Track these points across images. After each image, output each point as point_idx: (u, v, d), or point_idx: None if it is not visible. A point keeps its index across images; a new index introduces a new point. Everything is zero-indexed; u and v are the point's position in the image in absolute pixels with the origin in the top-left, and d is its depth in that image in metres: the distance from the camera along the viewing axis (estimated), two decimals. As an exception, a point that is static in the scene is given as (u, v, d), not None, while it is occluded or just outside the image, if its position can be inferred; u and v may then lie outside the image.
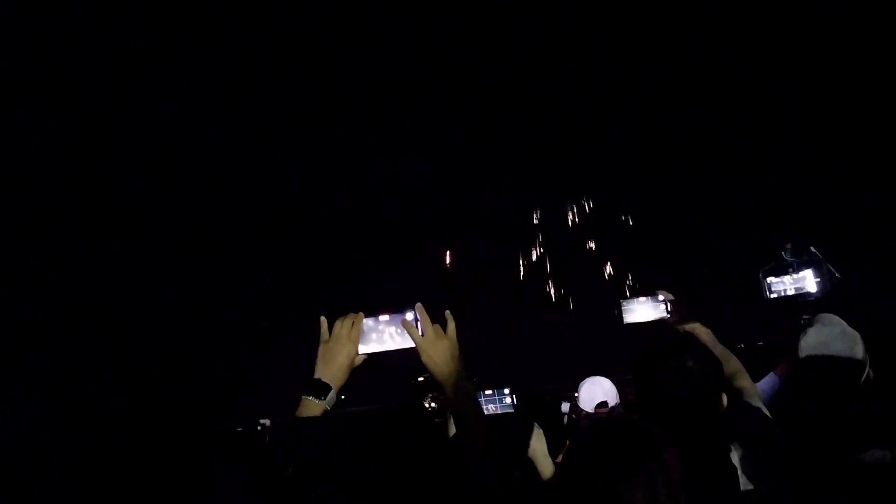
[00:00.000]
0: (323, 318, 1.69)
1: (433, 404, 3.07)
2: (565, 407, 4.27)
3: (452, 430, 2.57)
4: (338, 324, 1.67)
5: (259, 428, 3.43)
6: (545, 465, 2.14)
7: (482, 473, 1.45)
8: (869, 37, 9.52)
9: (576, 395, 4.19)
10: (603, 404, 3.76)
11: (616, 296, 2.80)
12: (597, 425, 1.38)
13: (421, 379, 3.55)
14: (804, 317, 3.09)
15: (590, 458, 1.22)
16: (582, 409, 3.84)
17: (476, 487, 1.43)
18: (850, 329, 2.33)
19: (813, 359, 2.27)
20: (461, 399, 1.59)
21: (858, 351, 2.22)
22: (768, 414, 2.06)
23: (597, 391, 3.88)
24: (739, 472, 1.75)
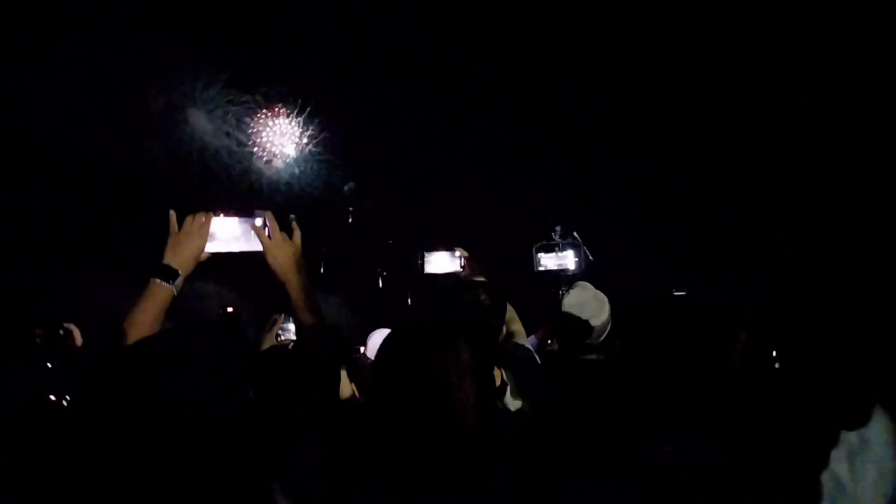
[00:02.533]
0: (172, 212, 1.72)
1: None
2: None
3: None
4: (189, 219, 1.72)
5: (62, 332, 3.10)
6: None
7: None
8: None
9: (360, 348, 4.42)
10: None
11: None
12: (402, 327, 1.56)
13: (230, 310, 3.53)
14: (562, 289, 3.73)
15: (400, 343, 1.42)
16: (369, 359, 4.07)
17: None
18: (600, 293, 2.88)
19: (571, 314, 2.77)
20: (301, 299, 1.71)
21: (606, 310, 2.77)
22: (534, 353, 2.48)
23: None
24: (507, 390, 2.10)
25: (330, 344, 1.73)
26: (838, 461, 1.44)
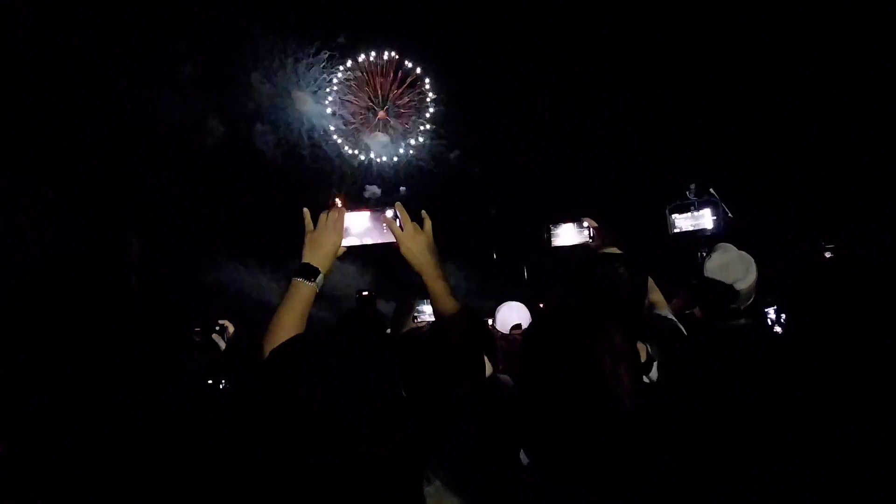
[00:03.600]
0: (306, 210, 1.79)
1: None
2: (481, 332, 4.51)
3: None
4: (323, 216, 1.78)
5: (218, 329, 3.47)
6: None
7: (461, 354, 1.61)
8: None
9: (490, 319, 4.45)
10: (517, 326, 4.03)
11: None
12: (551, 312, 1.54)
13: (365, 293, 3.71)
14: (701, 251, 3.48)
15: (553, 331, 1.39)
16: (498, 331, 4.09)
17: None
18: (745, 254, 2.66)
19: (714, 279, 2.59)
20: (439, 287, 1.73)
21: (752, 271, 2.56)
22: (678, 323, 2.35)
23: (512, 315, 4.14)
24: (654, 364, 2.01)
25: (471, 328, 1.74)
26: None
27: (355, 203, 1.83)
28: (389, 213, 1.77)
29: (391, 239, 1.77)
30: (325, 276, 1.72)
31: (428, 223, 1.82)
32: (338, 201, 1.80)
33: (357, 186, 19.11)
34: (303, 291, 1.68)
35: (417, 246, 1.75)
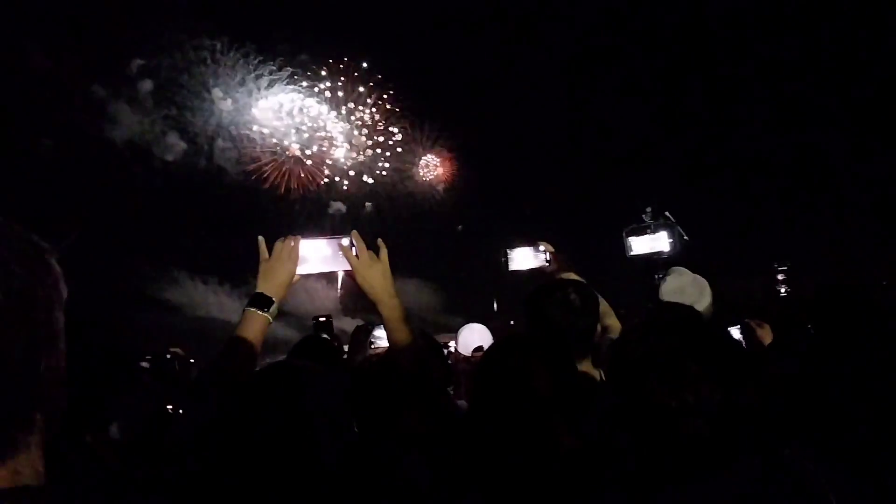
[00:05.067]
0: (261, 238, 1.74)
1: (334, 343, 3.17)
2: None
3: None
4: (278, 244, 1.73)
5: (168, 357, 3.36)
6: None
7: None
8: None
9: (451, 343, 4.41)
10: (479, 348, 4.01)
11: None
12: (503, 340, 1.52)
13: (322, 318, 3.65)
14: (658, 274, 3.51)
15: (502, 363, 1.37)
16: (460, 354, 4.06)
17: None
18: (699, 277, 2.69)
19: (672, 300, 2.62)
20: (394, 316, 1.70)
21: (707, 294, 2.59)
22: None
23: (473, 337, 4.12)
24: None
25: (424, 358, 1.70)
26: None
27: (312, 231, 1.79)
28: (345, 241, 1.75)
29: (347, 267, 1.74)
30: (280, 305, 1.68)
31: (384, 252, 1.79)
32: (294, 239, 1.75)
33: (321, 204, 18.97)
34: (256, 322, 1.64)
35: (372, 275, 1.72)
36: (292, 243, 1.73)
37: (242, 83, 17.34)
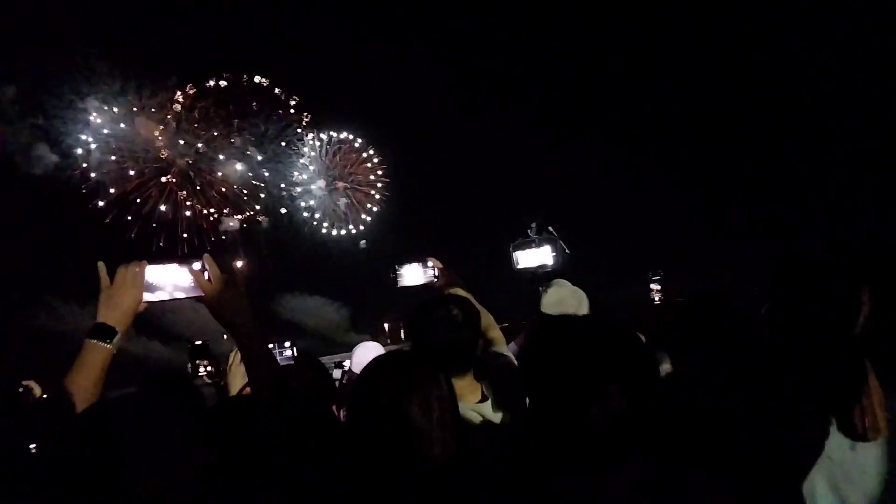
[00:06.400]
0: (101, 264, 1.64)
1: (209, 368, 3.01)
2: (337, 373, 4.43)
3: (235, 389, 2.55)
4: (121, 270, 1.64)
5: (21, 390, 3.06)
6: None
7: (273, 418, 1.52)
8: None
9: (344, 363, 4.37)
10: (372, 367, 3.99)
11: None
12: (377, 359, 1.52)
13: (199, 343, 3.47)
14: (541, 286, 3.69)
15: (373, 381, 1.38)
16: (355, 374, 4.02)
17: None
18: (578, 289, 2.86)
19: (552, 311, 2.76)
20: (252, 345, 1.62)
21: (584, 304, 2.76)
22: (514, 360, 2.45)
23: (367, 355, 4.09)
24: (490, 402, 2.07)
25: (284, 391, 1.64)
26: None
27: (162, 255, 1.70)
28: (197, 265, 1.66)
29: (200, 293, 1.65)
30: (124, 335, 1.59)
31: (240, 275, 1.73)
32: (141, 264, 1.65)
33: (212, 221, 18.11)
34: (97, 353, 1.54)
35: (224, 300, 1.63)
36: (136, 269, 1.65)
37: (122, 93, 16.28)
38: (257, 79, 18.55)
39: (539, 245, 3.94)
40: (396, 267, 2.94)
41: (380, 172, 19.13)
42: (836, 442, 1.51)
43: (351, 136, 19.46)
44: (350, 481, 1.30)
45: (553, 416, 1.24)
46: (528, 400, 1.42)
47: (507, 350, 2.53)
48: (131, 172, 16.85)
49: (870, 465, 1.50)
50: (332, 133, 19.44)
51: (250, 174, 18.40)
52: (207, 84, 17.46)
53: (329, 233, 18.95)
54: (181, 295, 1.67)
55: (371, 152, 19.33)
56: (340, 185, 19.32)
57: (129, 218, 16.62)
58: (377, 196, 19.01)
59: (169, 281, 1.66)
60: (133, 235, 16.37)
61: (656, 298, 4.81)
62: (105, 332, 1.57)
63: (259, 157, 18.72)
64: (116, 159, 16.59)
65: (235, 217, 18.04)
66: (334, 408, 2.94)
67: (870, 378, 1.48)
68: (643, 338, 3.39)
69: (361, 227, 18.78)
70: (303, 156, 19.30)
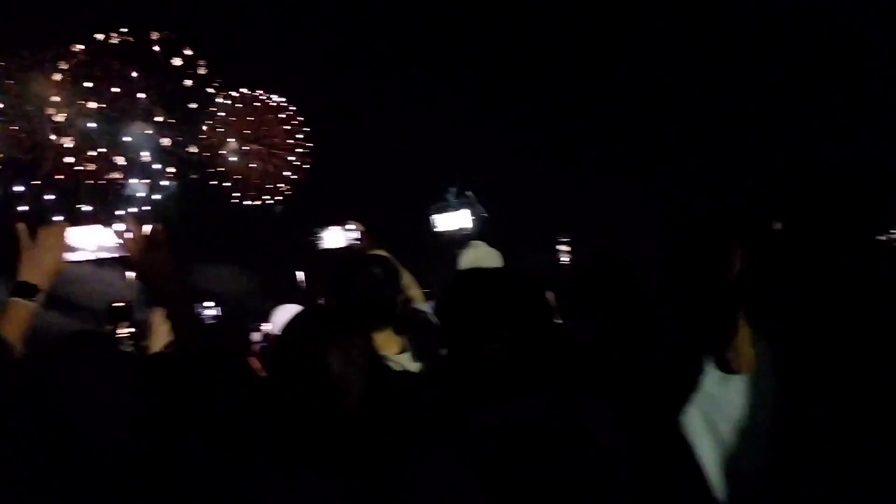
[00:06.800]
0: (21, 225, 1.64)
1: (130, 329, 2.96)
2: (257, 336, 4.44)
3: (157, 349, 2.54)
4: (42, 230, 1.65)
5: None
6: None
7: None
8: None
9: (262, 326, 4.38)
10: (294, 329, 4.02)
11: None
12: (300, 313, 1.59)
13: (121, 304, 3.38)
14: (459, 249, 3.86)
15: (297, 332, 1.45)
16: (273, 334, 4.04)
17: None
18: (494, 250, 3.03)
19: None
20: (175, 304, 1.66)
21: (500, 264, 2.92)
22: (430, 316, 2.58)
23: (286, 317, 4.12)
24: (408, 354, 2.20)
25: (209, 348, 1.70)
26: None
27: (87, 216, 1.70)
28: (121, 225, 1.69)
29: (123, 253, 1.68)
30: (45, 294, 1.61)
31: (163, 235, 1.71)
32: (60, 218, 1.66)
33: (119, 185, 17.09)
34: (21, 310, 1.57)
35: (150, 262, 1.66)
36: (57, 230, 1.67)
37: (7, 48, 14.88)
38: (159, 34, 17.46)
39: (458, 209, 4.10)
40: (317, 230, 2.99)
41: (300, 136, 18.59)
42: (711, 377, 1.75)
43: (266, 96, 18.69)
44: (273, 428, 1.38)
45: (458, 355, 1.37)
46: (442, 351, 1.54)
47: (427, 307, 2.65)
48: (23, 135, 15.56)
49: (738, 397, 1.74)
50: (244, 90, 18.62)
51: (158, 136, 17.44)
52: (99, 38, 16.22)
53: (241, 199, 18.32)
54: (105, 255, 1.69)
55: (292, 112, 18.62)
56: (254, 147, 18.65)
57: (24, 184, 15.43)
58: (296, 161, 18.50)
59: (92, 241, 1.68)
60: (28, 203, 15.23)
61: (563, 260, 5.11)
62: (28, 290, 1.59)
63: (165, 119, 17.75)
64: (21, 126, 15.25)
65: (142, 182, 17.12)
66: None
67: (741, 321, 1.70)
68: (552, 295, 3.63)
69: (278, 195, 18.28)
70: (213, 116, 18.46)
